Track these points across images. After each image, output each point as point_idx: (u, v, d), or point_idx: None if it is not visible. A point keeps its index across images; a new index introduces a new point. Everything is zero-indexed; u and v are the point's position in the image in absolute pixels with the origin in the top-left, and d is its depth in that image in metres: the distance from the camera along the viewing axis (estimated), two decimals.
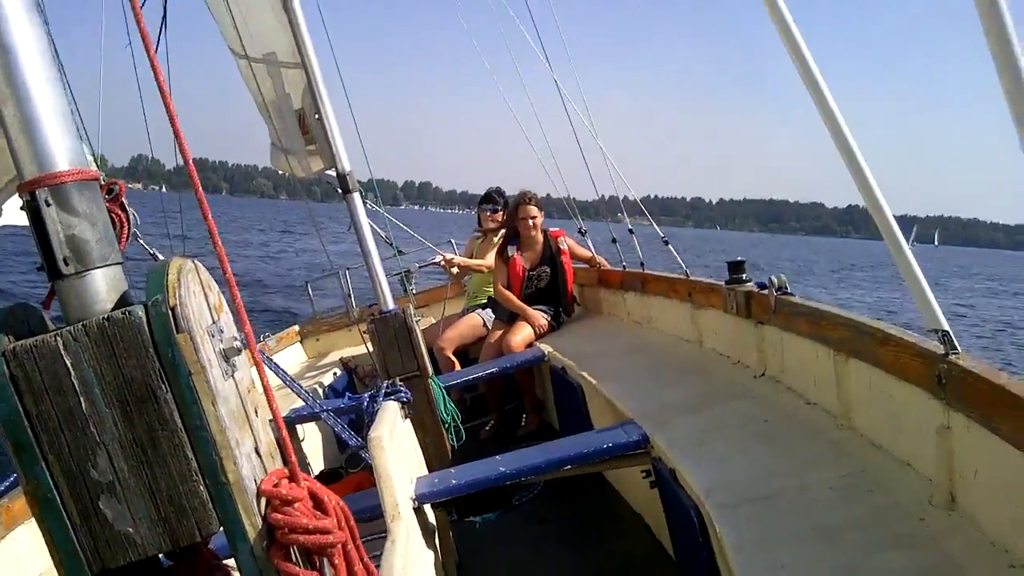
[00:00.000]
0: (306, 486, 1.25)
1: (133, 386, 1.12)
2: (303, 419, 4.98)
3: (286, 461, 1.28)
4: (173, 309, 1.12)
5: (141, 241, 3.59)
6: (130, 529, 1.12)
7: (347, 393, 5.72)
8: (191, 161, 1.25)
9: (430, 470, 3.80)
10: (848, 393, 2.99)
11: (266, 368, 4.25)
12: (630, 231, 6.06)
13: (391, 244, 6.81)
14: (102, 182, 1.31)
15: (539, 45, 6.23)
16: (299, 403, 4.80)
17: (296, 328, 7.60)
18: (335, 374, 6.46)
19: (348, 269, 7.43)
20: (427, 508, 3.32)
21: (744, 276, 4.04)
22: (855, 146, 2.17)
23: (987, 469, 2.12)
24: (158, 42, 4.88)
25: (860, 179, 2.20)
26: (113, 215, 1.33)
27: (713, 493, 2.68)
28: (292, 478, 1.24)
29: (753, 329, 3.83)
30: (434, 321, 7.06)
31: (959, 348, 2.28)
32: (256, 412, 1.28)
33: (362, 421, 3.75)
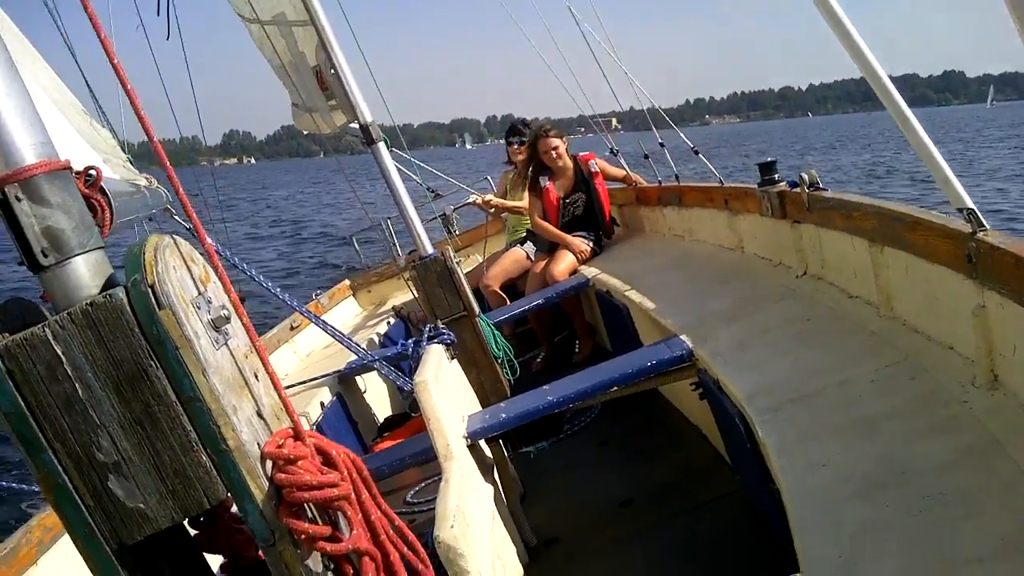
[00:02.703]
0: (312, 443, 1.27)
1: (124, 366, 1.14)
2: (357, 371, 5.08)
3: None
4: (152, 287, 1.14)
5: (177, 218, 3.66)
6: (141, 505, 1.16)
7: (400, 341, 5.81)
8: (155, 138, 1.25)
9: (487, 407, 3.85)
10: (887, 282, 2.93)
11: (314, 325, 4.34)
12: (661, 145, 5.96)
13: (427, 188, 6.82)
14: (77, 170, 1.33)
15: None
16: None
17: (347, 283, 7.69)
18: (389, 323, 6.55)
19: (389, 218, 7.46)
20: (482, 444, 3.36)
21: (776, 176, 3.95)
22: (845, 18, 2.06)
23: None
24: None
25: (858, 57, 2.11)
26: (93, 201, 1.35)
27: (755, 398, 2.67)
28: (297, 436, 1.26)
29: (790, 229, 3.76)
30: (480, 260, 7.08)
31: (987, 225, 2.21)
32: (257, 376, 1.30)
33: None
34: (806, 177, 3.54)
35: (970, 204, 2.18)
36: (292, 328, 6.10)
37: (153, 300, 1.13)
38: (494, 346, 4.61)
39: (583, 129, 6.68)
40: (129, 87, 1.24)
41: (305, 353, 6.16)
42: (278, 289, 3.81)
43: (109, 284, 1.22)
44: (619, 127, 6.43)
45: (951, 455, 2.00)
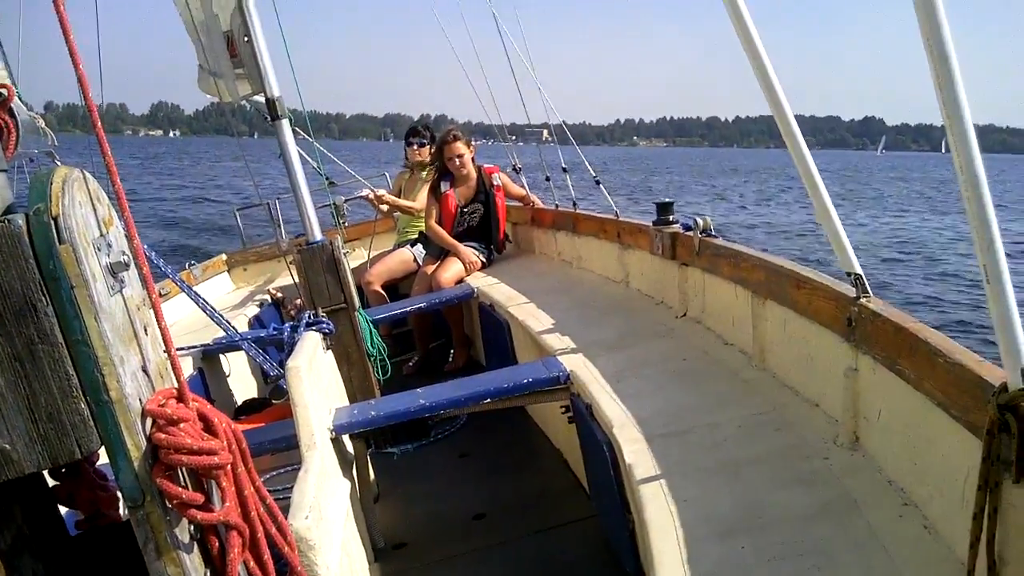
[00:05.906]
0: (195, 407, 1.22)
1: (12, 298, 1.07)
2: (223, 348, 4.92)
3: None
4: (56, 219, 1.08)
5: (58, 162, 3.47)
6: (7, 446, 1.09)
7: (273, 324, 5.66)
8: (91, 97, 1.18)
9: (355, 403, 3.79)
10: (763, 334, 3.05)
11: (186, 295, 4.19)
12: (564, 170, 6.03)
13: (323, 175, 6.68)
14: None
15: None
16: (222, 334, 4.73)
17: (223, 257, 7.43)
18: (261, 306, 6.37)
19: (279, 198, 7.27)
20: (345, 439, 3.31)
21: (671, 218, 4.06)
22: (764, 55, 2.05)
23: (889, 410, 2.18)
24: None
25: (774, 103, 2.10)
26: (0, 121, 1.27)
27: (625, 428, 2.73)
28: (180, 398, 1.21)
29: (677, 270, 3.87)
30: (366, 256, 6.99)
31: (870, 291, 2.32)
32: (146, 331, 1.25)
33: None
34: (700, 222, 3.65)
35: (858, 269, 2.29)
36: (160, 295, 5.86)
37: (54, 233, 1.07)
38: (369, 343, 4.55)
39: (515, 137, 6.69)
40: (71, 37, 1.16)
41: (170, 323, 5.92)
42: (153, 253, 3.66)
43: (8, 211, 1.15)
44: (550, 139, 6.51)
45: (808, 508, 2.08)
